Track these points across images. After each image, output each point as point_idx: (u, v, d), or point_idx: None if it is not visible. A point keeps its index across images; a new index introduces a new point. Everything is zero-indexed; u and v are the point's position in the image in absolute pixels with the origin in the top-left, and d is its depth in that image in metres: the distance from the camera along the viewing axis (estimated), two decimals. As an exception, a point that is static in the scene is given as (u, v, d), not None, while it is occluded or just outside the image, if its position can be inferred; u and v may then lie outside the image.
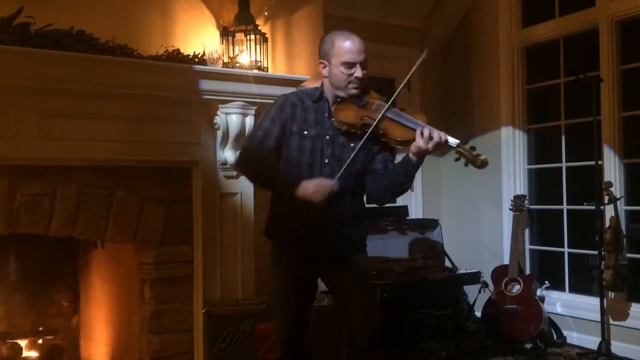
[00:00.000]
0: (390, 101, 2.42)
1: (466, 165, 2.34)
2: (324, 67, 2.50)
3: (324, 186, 2.32)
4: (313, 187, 2.32)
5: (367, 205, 2.66)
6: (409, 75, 2.48)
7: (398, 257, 4.19)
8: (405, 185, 2.44)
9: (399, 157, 2.47)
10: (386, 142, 2.44)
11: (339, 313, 2.79)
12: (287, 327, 2.57)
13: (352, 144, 2.44)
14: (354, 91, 2.45)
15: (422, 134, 2.30)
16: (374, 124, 2.38)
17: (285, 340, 2.58)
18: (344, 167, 2.38)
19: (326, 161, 2.45)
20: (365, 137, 2.38)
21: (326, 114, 2.49)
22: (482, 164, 2.30)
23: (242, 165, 2.73)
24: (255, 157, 2.51)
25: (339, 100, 2.48)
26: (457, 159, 2.35)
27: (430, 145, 2.29)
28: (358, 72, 2.42)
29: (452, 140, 2.34)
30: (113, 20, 3.19)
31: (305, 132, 2.46)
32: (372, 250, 2.71)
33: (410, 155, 2.35)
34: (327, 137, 2.46)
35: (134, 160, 3.26)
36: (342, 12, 4.44)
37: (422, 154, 2.33)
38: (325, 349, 3.23)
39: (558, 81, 4.58)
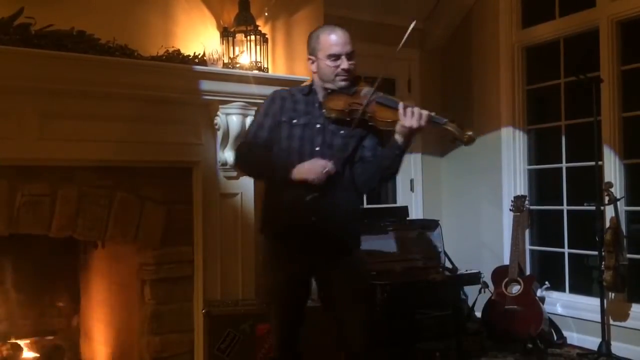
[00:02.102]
0: (377, 84, 2.41)
1: (453, 142, 2.31)
2: (312, 62, 2.53)
3: (318, 165, 2.33)
4: (307, 166, 2.34)
5: (366, 205, 2.62)
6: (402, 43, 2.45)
7: (398, 258, 4.18)
8: (389, 169, 2.43)
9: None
10: (375, 128, 2.44)
11: (329, 316, 2.61)
12: (284, 326, 2.57)
13: (342, 131, 2.45)
14: (342, 83, 2.46)
15: (404, 110, 2.29)
16: (362, 108, 2.37)
17: (283, 339, 2.58)
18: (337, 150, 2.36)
19: (317, 149, 2.44)
20: (354, 122, 2.38)
21: (316, 104, 2.51)
22: (469, 140, 2.27)
23: (240, 159, 2.68)
24: (250, 150, 2.54)
25: (329, 91, 2.49)
26: (451, 140, 2.32)
27: (413, 121, 2.27)
28: (344, 64, 2.44)
29: (438, 118, 2.33)
30: (113, 21, 3.20)
31: (295, 121, 2.47)
32: (372, 250, 2.68)
33: (396, 136, 2.34)
34: (318, 125, 2.47)
35: (135, 161, 3.26)
36: (343, 13, 4.44)
37: (406, 134, 2.31)
38: (325, 349, 3.22)
39: (558, 81, 4.58)
